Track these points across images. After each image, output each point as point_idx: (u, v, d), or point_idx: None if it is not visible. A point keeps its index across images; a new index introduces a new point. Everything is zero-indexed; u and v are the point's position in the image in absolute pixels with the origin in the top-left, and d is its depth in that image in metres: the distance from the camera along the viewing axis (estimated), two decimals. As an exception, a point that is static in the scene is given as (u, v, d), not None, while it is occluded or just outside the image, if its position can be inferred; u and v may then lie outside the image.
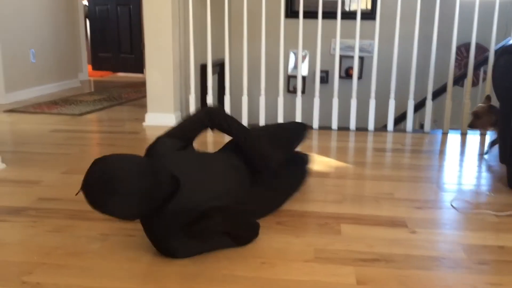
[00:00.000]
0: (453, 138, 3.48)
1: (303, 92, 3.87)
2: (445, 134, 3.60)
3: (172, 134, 1.91)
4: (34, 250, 1.68)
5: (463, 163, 2.87)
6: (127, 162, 1.49)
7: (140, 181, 1.48)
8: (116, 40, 7.47)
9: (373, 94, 3.71)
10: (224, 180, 1.84)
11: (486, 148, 3.03)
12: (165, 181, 1.58)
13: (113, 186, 1.43)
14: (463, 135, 3.56)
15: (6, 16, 4.70)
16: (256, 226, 1.79)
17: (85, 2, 7.34)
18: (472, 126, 2.88)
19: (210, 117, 2.00)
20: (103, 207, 1.46)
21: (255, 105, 3.98)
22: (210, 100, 3.82)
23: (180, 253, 1.62)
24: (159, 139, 1.84)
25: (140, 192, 1.48)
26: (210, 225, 1.60)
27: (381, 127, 4.02)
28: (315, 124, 3.78)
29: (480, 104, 2.91)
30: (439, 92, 4.37)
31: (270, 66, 4.36)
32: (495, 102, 2.63)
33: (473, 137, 3.47)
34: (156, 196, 1.54)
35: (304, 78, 5.43)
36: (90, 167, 1.48)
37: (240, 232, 1.73)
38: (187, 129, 1.98)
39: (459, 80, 4.36)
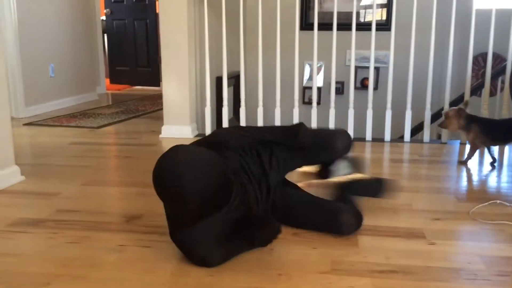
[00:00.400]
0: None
1: (318, 103, 3.88)
2: (463, 144, 3.56)
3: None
4: (52, 262, 1.70)
5: (481, 174, 2.83)
6: (200, 150, 1.60)
7: (211, 165, 1.56)
8: (133, 54, 7.57)
9: (389, 105, 3.69)
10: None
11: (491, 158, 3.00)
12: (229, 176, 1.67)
13: (185, 163, 1.50)
14: (482, 145, 3.52)
15: (27, 32, 4.81)
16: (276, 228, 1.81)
17: (103, 17, 7.47)
18: (441, 125, 3.04)
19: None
20: (175, 182, 1.49)
21: (271, 116, 3.99)
22: (225, 112, 3.85)
23: (214, 261, 1.64)
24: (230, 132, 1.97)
25: (210, 171, 1.55)
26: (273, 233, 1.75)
27: (397, 138, 3.99)
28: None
29: (453, 107, 3.09)
30: (456, 102, 4.33)
31: (285, 77, 4.36)
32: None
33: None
34: (220, 186, 1.60)
35: (319, 89, 5.43)
36: (165, 152, 1.57)
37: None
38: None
39: (476, 90, 4.32)
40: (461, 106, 3.00)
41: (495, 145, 3.03)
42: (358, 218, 1.92)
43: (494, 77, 3.95)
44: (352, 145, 2.09)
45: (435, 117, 4.21)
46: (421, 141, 3.69)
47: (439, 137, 3.87)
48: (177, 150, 1.55)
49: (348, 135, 2.10)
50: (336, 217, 1.89)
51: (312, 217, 1.94)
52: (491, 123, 2.99)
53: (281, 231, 1.80)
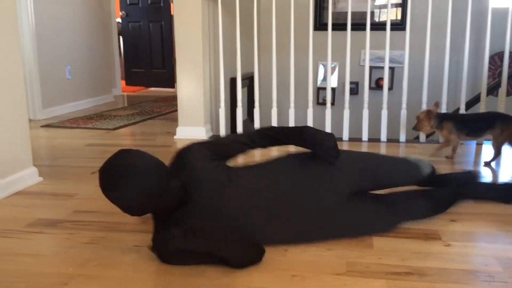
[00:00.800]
0: (488, 149, 3.40)
1: (332, 103, 3.86)
2: (479, 145, 3.52)
3: (208, 145, 1.83)
4: (70, 262, 1.72)
5: (498, 174, 2.80)
6: (147, 159, 1.59)
7: (151, 179, 1.55)
8: (148, 56, 7.63)
9: (404, 105, 3.67)
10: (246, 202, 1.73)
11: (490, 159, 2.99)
12: (173, 190, 1.62)
13: (125, 175, 1.52)
14: (499, 145, 3.48)
15: (44, 35, 4.88)
16: (255, 252, 1.69)
17: (119, 20, 7.54)
18: (414, 128, 3.10)
19: (253, 137, 1.90)
20: (110, 193, 1.55)
21: (285, 117, 3.99)
22: (240, 113, 3.86)
23: (172, 259, 1.66)
24: (192, 146, 1.80)
25: (147, 190, 1.54)
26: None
27: (413, 139, 3.97)
28: (345, 135, 3.76)
29: (424, 110, 3.14)
30: (472, 102, 4.29)
31: (299, 78, 4.37)
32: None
33: (508, 148, 3.38)
34: (160, 201, 1.60)
35: (333, 89, 5.42)
36: (114, 154, 1.58)
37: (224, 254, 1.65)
38: (225, 145, 1.88)
39: (493, 89, 4.28)
40: (431, 107, 3.06)
41: (469, 139, 3.14)
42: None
43: (511, 76, 3.90)
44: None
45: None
46: (437, 142, 3.66)
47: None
48: (120, 156, 1.59)
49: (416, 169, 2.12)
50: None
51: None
52: (463, 119, 3.07)
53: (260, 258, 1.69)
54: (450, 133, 2.98)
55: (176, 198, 1.65)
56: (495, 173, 2.83)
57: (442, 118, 3.01)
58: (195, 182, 1.69)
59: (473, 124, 2.98)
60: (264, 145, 1.93)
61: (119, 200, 1.57)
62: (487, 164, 2.95)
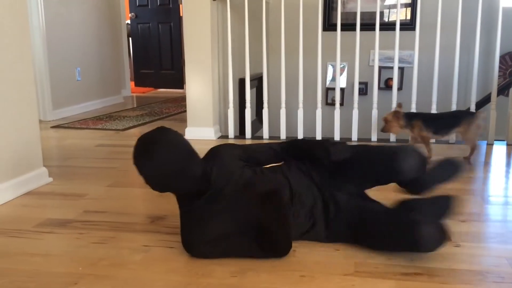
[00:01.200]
0: (498, 149, 3.38)
1: (341, 104, 3.86)
2: (490, 145, 3.50)
3: (240, 146, 1.93)
4: (79, 261, 1.73)
5: (509, 175, 2.77)
6: (180, 140, 1.66)
7: (177, 156, 1.61)
8: (158, 57, 7.66)
9: (414, 105, 3.65)
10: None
11: None
12: (193, 175, 1.67)
13: (156, 145, 1.60)
14: (509, 146, 3.45)
15: (54, 37, 4.91)
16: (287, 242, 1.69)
17: (128, 21, 7.57)
18: (383, 130, 3.13)
19: (284, 145, 1.95)
20: (139, 159, 1.63)
21: (294, 118, 3.99)
22: (248, 113, 3.86)
23: (195, 250, 1.71)
24: (227, 144, 1.91)
25: (170, 164, 1.60)
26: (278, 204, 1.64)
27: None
28: (354, 136, 3.74)
29: (390, 111, 3.17)
30: (483, 102, 4.25)
31: (308, 79, 4.36)
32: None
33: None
34: (179, 182, 1.65)
35: (342, 90, 5.40)
36: (154, 128, 1.66)
37: (275, 237, 1.67)
38: (256, 150, 1.94)
39: (504, 89, 4.24)
40: (396, 108, 3.09)
41: (438, 137, 3.16)
42: (441, 232, 1.62)
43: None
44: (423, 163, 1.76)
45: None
46: (447, 142, 3.64)
47: (466, 137, 3.81)
48: (158, 130, 1.66)
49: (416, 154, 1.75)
50: (414, 230, 1.61)
51: (384, 230, 1.70)
52: (432, 117, 3.13)
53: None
54: (422, 131, 3.01)
55: (194, 184, 1.70)
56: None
57: (410, 117, 3.05)
58: (222, 176, 1.75)
59: (441, 122, 3.05)
60: (293, 155, 1.93)
61: (144, 167, 1.62)
62: (466, 159, 3.03)
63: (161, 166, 1.60)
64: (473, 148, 3.01)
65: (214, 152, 1.86)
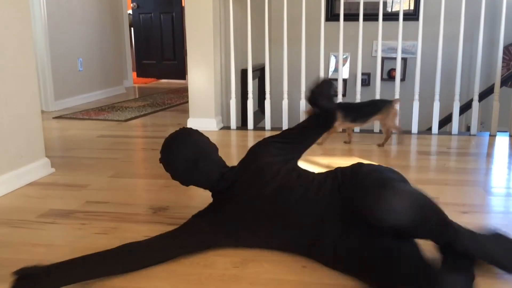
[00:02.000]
0: (501, 140, 3.37)
1: (344, 95, 3.85)
2: (492, 136, 3.49)
3: (277, 136, 1.93)
4: (82, 252, 1.73)
5: (511, 166, 2.77)
6: (200, 139, 1.77)
7: (188, 153, 1.72)
8: (160, 48, 7.64)
9: (416, 96, 3.64)
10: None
11: None
12: (205, 173, 1.74)
13: (175, 141, 1.75)
14: (512, 137, 3.44)
15: (56, 27, 4.90)
16: None
17: (130, 11, 7.55)
18: None
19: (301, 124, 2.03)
20: (162, 151, 1.77)
21: (296, 109, 3.98)
22: (250, 104, 3.85)
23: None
24: (264, 145, 1.86)
25: (183, 160, 1.71)
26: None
27: (425, 130, 3.94)
28: (357, 127, 3.74)
29: None
30: (486, 93, 4.24)
31: (310, 69, 4.34)
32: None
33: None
34: (193, 177, 1.75)
35: (345, 81, 5.39)
36: (178, 130, 1.80)
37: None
38: (291, 130, 2.00)
39: (507, 80, 4.22)
40: None
41: (357, 125, 3.33)
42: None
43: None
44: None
45: (464, 108, 4.14)
46: (450, 133, 3.63)
47: (468, 129, 3.80)
48: (185, 128, 1.80)
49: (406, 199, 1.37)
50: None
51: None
52: (349, 107, 3.20)
53: None
54: (341, 120, 3.11)
55: (207, 182, 1.76)
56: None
57: None
58: (256, 174, 1.74)
59: (359, 110, 3.19)
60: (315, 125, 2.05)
61: (165, 160, 1.77)
62: (380, 145, 3.19)
63: (176, 159, 1.72)
64: (388, 135, 3.19)
65: (250, 157, 1.82)
